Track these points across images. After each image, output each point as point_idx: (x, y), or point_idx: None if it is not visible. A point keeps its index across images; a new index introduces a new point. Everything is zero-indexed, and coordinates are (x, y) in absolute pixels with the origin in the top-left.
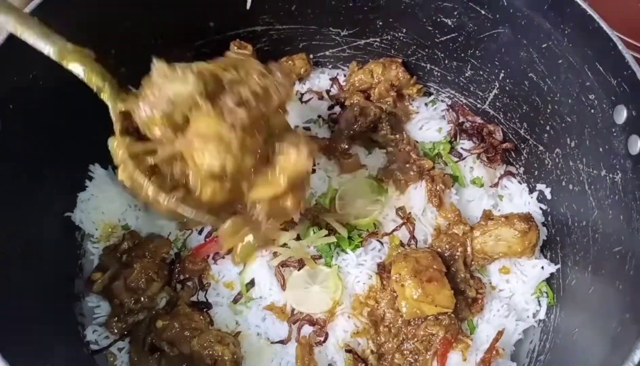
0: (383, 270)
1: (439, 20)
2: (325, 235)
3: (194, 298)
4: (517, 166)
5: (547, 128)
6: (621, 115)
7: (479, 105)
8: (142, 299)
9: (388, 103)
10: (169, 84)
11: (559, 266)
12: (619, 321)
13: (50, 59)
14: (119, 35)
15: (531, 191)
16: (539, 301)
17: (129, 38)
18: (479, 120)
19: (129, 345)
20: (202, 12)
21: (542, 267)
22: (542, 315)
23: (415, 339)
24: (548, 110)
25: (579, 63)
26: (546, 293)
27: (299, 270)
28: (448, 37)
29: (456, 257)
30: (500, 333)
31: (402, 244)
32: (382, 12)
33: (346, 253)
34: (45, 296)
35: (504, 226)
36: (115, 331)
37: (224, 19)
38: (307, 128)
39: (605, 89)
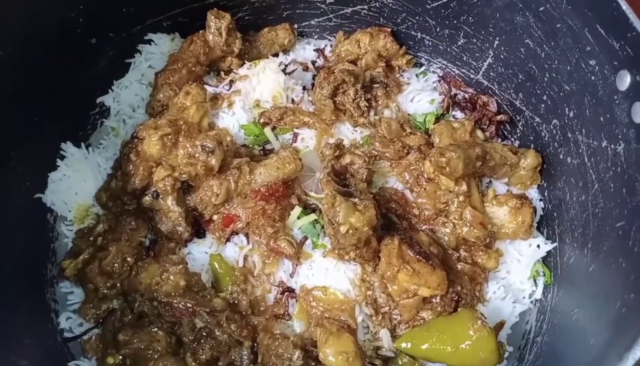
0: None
1: None
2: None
3: None
4: (513, 139)
5: (544, 98)
6: (624, 81)
7: (472, 76)
8: (117, 284)
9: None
10: None
11: (555, 244)
12: (623, 301)
13: (14, 28)
14: (91, 1)
15: None
16: (535, 281)
17: (98, 5)
18: (471, 91)
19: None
20: None
21: (538, 246)
22: (538, 295)
23: (407, 324)
24: (545, 79)
25: (579, 26)
26: (543, 272)
27: None
28: (439, 2)
29: (448, 238)
30: (501, 325)
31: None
32: None
33: None
34: (15, 282)
35: (496, 205)
36: (89, 318)
37: None
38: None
39: (607, 54)
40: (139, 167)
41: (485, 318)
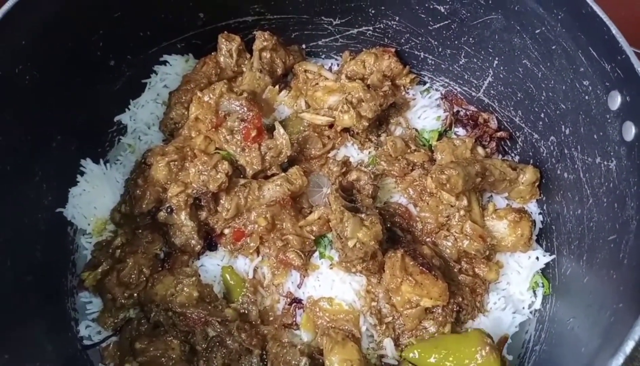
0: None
1: (431, 7)
2: None
3: None
4: (513, 155)
5: (542, 115)
6: (615, 101)
7: (473, 93)
8: (134, 294)
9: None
10: None
11: (554, 256)
12: (613, 310)
13: (38, 51)
14: (108, 25)
15: None
16: (534, 292)
17: (117, 29)
18: (473, 108)
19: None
20: (191, 3)
21: (537, 258)
22: (537, 305)
23: (410, 333)
24: (542, 97)
25: (573, 48)
26: (542, 283)
27: None
28: (441, 24)
29: (450, 251)
30: (504, 339)
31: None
32: (374, 0)
33: None
34: (37, 292)
35: (496, 219)
36: (107, 326)
37: (214, 10)
38: None
39: (600, 75)
40: (146, 192)
41: (492, 338)
